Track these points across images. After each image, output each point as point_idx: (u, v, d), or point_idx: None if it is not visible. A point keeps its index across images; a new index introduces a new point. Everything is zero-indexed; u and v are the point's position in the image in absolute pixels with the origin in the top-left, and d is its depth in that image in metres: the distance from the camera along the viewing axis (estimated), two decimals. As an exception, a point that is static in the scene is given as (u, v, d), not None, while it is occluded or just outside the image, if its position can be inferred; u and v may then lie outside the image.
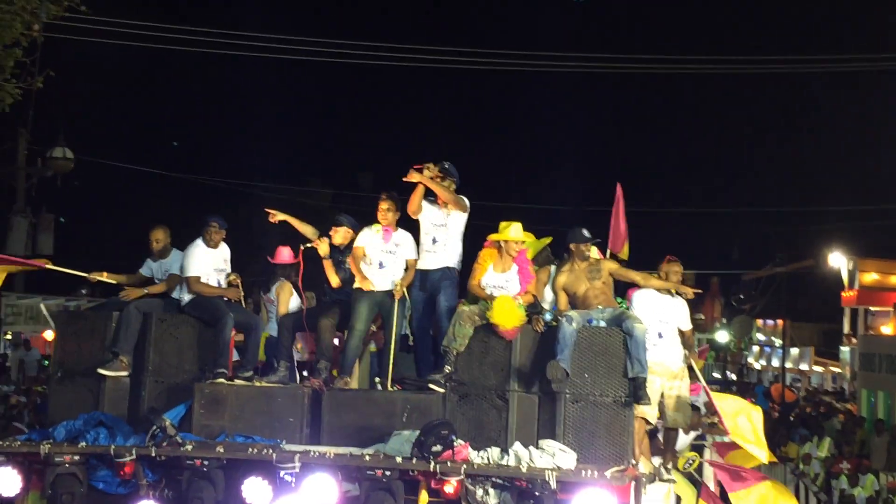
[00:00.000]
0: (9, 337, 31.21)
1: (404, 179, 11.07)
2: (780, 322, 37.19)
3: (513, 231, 10.78)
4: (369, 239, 11.20)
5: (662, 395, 11.13)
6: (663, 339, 11.19)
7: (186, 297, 11.27)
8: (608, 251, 12.78)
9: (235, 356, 11.67)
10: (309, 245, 11.46)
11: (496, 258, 10.79)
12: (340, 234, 11.59)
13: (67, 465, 10.27)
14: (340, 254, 11.52)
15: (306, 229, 11.70)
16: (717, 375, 39.35)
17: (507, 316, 10.24)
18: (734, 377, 39.41)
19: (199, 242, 11.41)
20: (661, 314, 11.24)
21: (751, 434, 11.87)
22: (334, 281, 11.46)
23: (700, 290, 11.38)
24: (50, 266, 12.55)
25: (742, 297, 37.67)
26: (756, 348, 43.02)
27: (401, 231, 11.29)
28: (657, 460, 11.51)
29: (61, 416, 10.98)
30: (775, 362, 39.32)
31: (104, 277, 11.85)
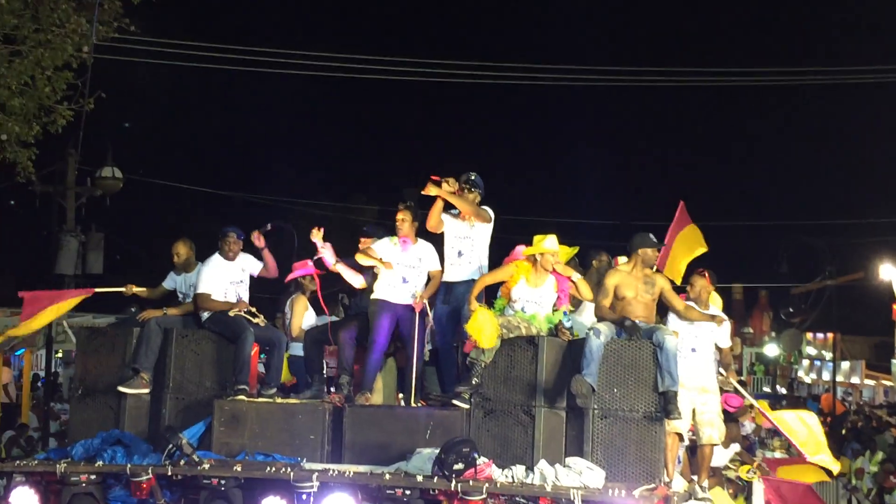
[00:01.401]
0: (60, 355, 31.13)
1: (423, 192, 10.62)
2: (830, 335, 36.32)
3: (548, 243, 10.25)
4: (387, 252, 10.74)
5: (694, 412, 10.56)
6: (696, 354, 10.65)
7: (206, 313, 10.88)
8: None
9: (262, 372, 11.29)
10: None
11: (530, 272, 10.27)
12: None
13: (84, 485, 9.91)
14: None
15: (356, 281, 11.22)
16: (766, 389, 38.47)
17: (479, 330, 9.76)
18: (784, 391, 38.51)
19: (216, 257, 11.08)
20: (695, 328, 10.70)
21: (814, 444, 11.30)
22: (357, 282, 10.93)
23: (725, 319, 10.87)
24: (99, 290, 12.21)
25: (791, 310, 36.85)
26: (806, 362, 42.09)
27: (421, 243, 10.85)
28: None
29: (82, 435, 10.66)
30: (826, 376, 38.42)
31: (134, 289, 11.53)
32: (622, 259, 10.83)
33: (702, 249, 12.78)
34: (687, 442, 10.72)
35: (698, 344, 10.70)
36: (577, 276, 10.33)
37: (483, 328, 9.76)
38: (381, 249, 10.77)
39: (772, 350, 39.62)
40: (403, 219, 10.76)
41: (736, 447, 12.93)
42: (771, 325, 41.70)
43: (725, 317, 11.07)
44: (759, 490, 13.19)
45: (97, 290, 12.07)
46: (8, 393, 24.05)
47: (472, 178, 10.81)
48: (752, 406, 15.08)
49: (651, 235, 10.50)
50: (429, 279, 10.76)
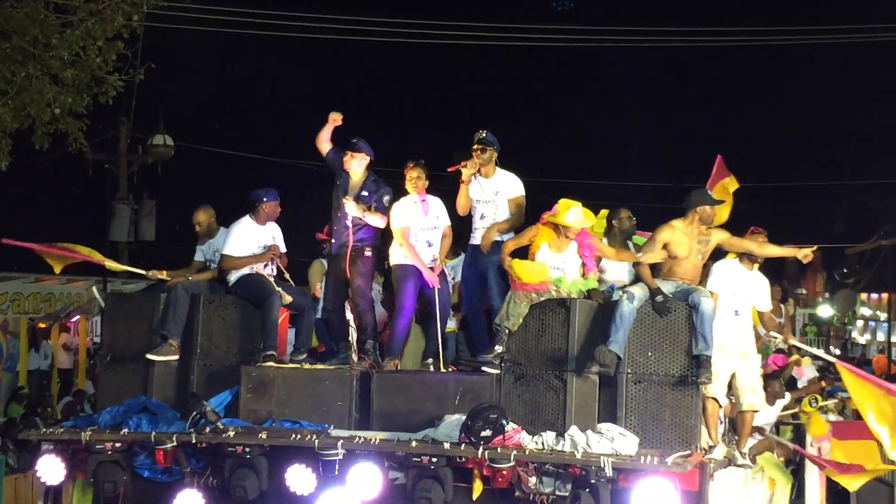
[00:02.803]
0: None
1: (449, 169, 10.15)
2: (885, 296, 35.45)
3: (570, 216, 9.66)
4: (411, 215, 10.30)
5: (734, 377, 10.05)
6: (739, 317, 10.10)
7: (233, 277, 10.53)
8: None
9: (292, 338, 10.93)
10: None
11: (552, 237, 9.79)
12: (357, 161, 10.50)
13: (109, 453, 9.67)
14: (363, 188, 10.45)
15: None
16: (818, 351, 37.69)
17: (527, 273, 9.39)
18: (837, 352, 37.70)
19: (246, 219, 10.70)
20: (740, 290, 10.16)
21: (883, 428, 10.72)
22: (381, 222, 10.33)
23: (815, 248, 10.21)
24: (110, 263, 11.89)
25: (845, 270, 35.91)
26: (860, 323, 41.19)
27: (431, 198, 10.46)
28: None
29: (111, 402, 10.38)
30: (880, 336, 37.58)
31: (163, 275, 11.20)
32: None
33: (734, 186, 12.31)
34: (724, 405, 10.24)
35: (742, 307, 10.17)
36: (599, 244, 9.87)
37: (527, 268, 9.46)
38: (404, 212, 10.33)
39: (825, 311, 38.75)
40: (419, 176, 10.33)
41: (782, 402, 12.42)
42: (825, 286, 40.72)
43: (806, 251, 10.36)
44: (812, 480, 12.69)
45: (114, 266, 11.72)
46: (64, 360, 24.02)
47: (483, 135, 10.25)
48: (797, 362, 14.62)
49: (710, 192, 10.03)
50: (444, 236, 10.33)
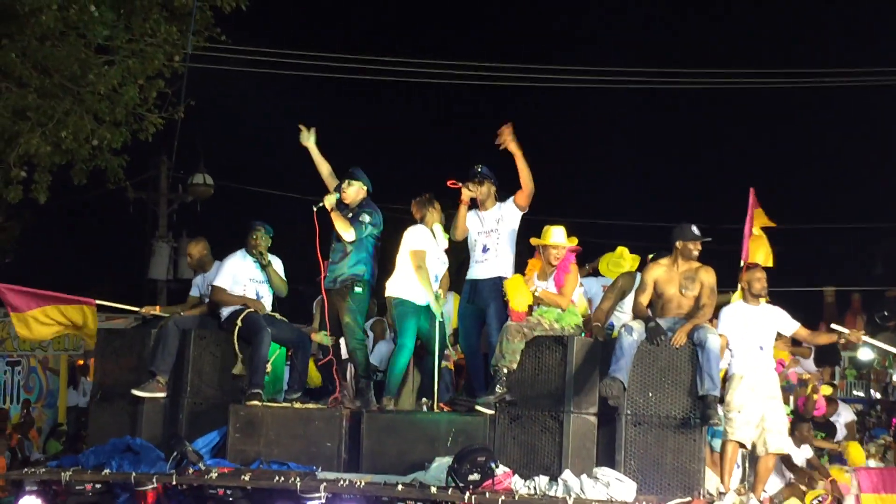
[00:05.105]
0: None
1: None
2: (926, 338, 34.31)
3: (555, 235, 9.22)
4: (429, 244, 9.77)
5: (763, 419, 9.37)
6: (763, 352, 9.48)
7: (225, 312, 10.03)
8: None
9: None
10: (321, 206, 9.83)
11: (539, 266, 9.29)
12: (354, 190, 10.00)
13: (90, 494, 9.17)
14: (351, 211, 9.90)
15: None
16: (859, 394, 36.57)
17: (514, 292, 8.90)
18: (878, 396, 36.54)
19: (240, 252, 10.24)
20: (757, 325, 9.53)
21: None
22: (348, 234, 9.73)
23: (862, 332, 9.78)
24: (100, 302, 11.43)
25: (886, 313, 34.82)
26: (902, 366, 39.91)
27: (437, 228, 9.90)
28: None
29: (100, 440, 9.95)
30: (923, 380, 36.26)
31: (157, 311, 10.74)
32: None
33: (770, 224, 11.70)
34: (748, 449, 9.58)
35: (765, 341, 9.57)
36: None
37: (515, 288, 9.00)
38: (424, 240, 9.77)
39: (866, 354, 37.64)
40: (436, 210, 9.85)
41: (807, 451, 11.64)
42: (865, 329, 39.69)
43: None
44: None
45: (104, 303, 11.24)
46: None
47: (479, 169, 9.71)
48: (815, 389, 13.88)
49: (693, 228, 9.27)
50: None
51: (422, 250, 9.72)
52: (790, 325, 9.82)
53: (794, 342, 16.24)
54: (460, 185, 9.62)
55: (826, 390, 15.39)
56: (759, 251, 11.71)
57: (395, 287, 9.70)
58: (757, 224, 11.89)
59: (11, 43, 15.44)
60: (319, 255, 9.93)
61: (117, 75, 16.05)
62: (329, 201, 9.77)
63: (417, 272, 9.64)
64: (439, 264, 9.89)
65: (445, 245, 9.88)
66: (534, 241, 9.30)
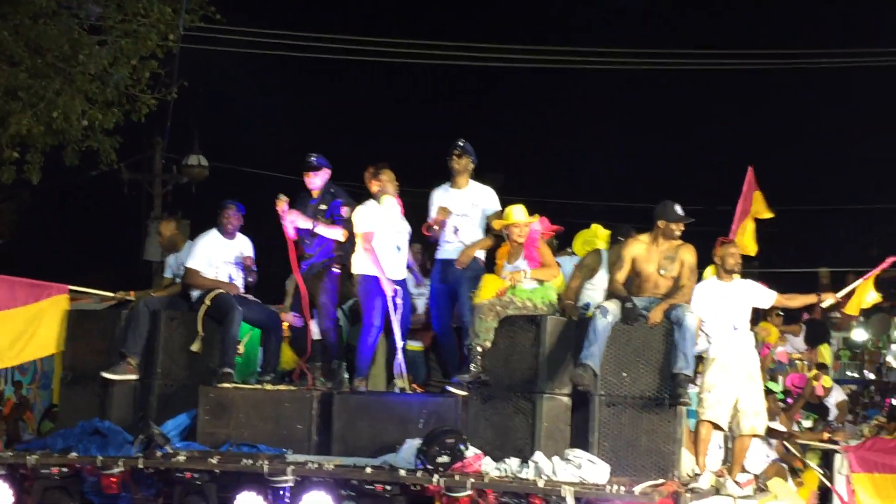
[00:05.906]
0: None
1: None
2: (921, 319, 34.13)
3: (515, 214, 9.08)
4: (380, 219, 9.49)
5: (738, 400, 9.14)
6: (738, 332, 9.19)
7: (196, 293, 9.80)
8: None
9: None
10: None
11: (506, 248, 9.13)
12: (319, 177, 9.81)
13: (57, 478, 8.94)
14: (322, 202, 9.71)
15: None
16: (852, 374, 36.38)
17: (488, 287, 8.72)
18: (872, 376, 36.36)
19: (212, 232, 10.02)
20: (730, 303, 9.25)
21: None
22: (340, 236, 9.58)
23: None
24: (74, 288, 11.17)
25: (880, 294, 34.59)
26: (895, 347, 39.71)
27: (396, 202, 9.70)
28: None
29: (70, 423, 9.73)
30: (917, 361, 36.09)
31: (131, 296, 10.50)
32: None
33: (767, 215, 11.57)
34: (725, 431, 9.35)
35: (739, 320, 9.26)
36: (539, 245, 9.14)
37: (490, 282, 8.85)
38: (369, 222, 9.47)
39: (860, 335, 37.48)
40: (390, 180, 9.59)
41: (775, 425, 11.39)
42: (860, 312, 39.48)
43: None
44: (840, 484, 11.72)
45: (79, 288, 10.97)
46: None
47: (461, 144, 9.50)
48: (815, 377, 13.76)
49: (677, 207, 8.93)
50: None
51: (368, 231, 9.43)
52: (766, 297, 9.54)
53: (786, 320, 16.12)
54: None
55: (827, 382, 15.27)
56: (745, 235, 11.48)
57: (360, 264, 9.45)
58: (754, 210, 11.65)
59: (4, 21, 15.30)
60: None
61: (108, 56, 15.86)
62: (281, 204, 9.59)
63: (367, 254, 9.40)
64: (401, 235, 9.62)
65: (400, 210, 9.62)
66: (496, 223, 9.15)
